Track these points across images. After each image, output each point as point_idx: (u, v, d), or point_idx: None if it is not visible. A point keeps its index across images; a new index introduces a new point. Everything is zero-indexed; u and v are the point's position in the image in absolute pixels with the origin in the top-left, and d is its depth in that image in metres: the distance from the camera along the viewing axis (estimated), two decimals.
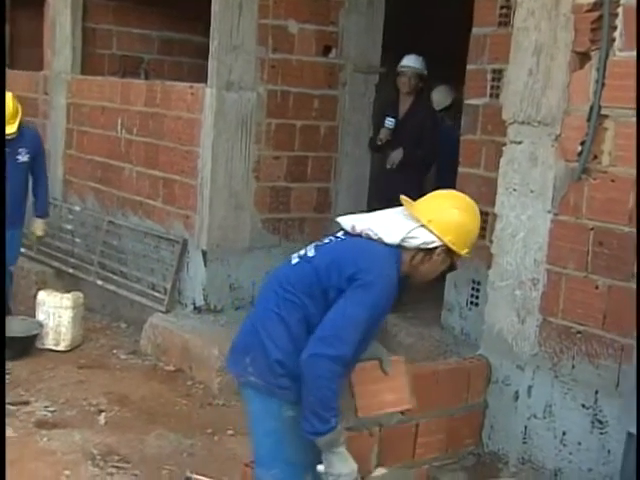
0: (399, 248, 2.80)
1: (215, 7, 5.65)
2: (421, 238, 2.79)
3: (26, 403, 4.88)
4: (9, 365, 5.41)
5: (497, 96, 4.86)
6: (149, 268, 6.35)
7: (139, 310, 6.29)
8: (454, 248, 2.81)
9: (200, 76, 6.13)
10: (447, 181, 5.47)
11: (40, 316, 5.87)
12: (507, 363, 4.04)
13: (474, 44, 5.04)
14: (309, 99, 6.03)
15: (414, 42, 7.07)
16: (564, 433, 3.82)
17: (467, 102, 5.15)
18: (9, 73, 8.44)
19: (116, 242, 6.71)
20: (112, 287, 6.60)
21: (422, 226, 2.80)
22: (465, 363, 4.11)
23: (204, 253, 5.88)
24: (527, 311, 3.94)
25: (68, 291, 6.08)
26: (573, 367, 3.77)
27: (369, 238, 2.81)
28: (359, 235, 2.83)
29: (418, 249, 2.80)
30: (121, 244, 6.67)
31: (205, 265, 5.88)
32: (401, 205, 2.93)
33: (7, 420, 4.56)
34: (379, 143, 6.03)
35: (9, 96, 5.74)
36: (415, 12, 6.82)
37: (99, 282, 6.71)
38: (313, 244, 2.93)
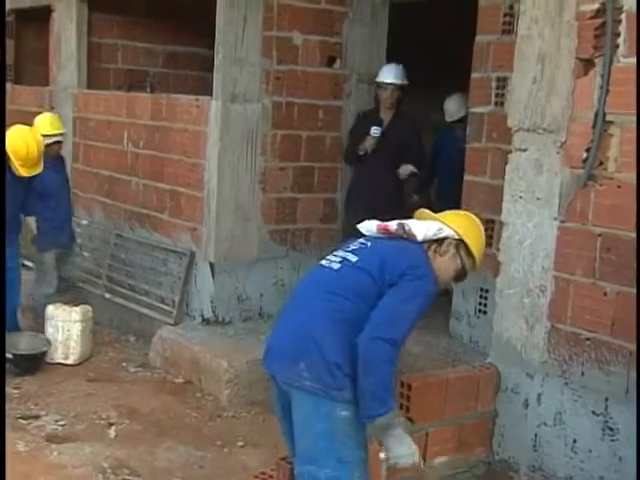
0: (422, 245, 3.07)
1: (219, 20, 5.68)
2: (433, 229, 3.08)
3: (36, 417, 4.89)
4: (18, 380, 5.43)
5: (502, 104, 4.87)
6: (157, 281, 6.37)
7: (148, 323, 6.30)
8: (466, 239, 3.08)
9: (205, 89, 6.15)
10: (452, 193, 5.45)
11: (49, 330, 5.88)
12: (516, 371, 4.03)
13: (478, 52, 5.06)
14: (314, 110, 6.04)
15: (421, 51, 7.11)
16: (575, 440, 3.81)
17: (472, 110, 5.17)
18: (15, 88, 8.52)
19: (124, 255, 6.73)
20: (120, 300, 6.62)
21: (436, 221, 3.12)
22: (474, 371, 4.10)
23: (212, 265, 5.89)
24: (535, 318, 3.94)
25: (77, 305, 6.09)
26: (583, 374, 3.76)
27: (401, 236, 3.05)
28: (386, 234, 3.06)
29: (432, 241, 3.08)
30: (129, 257, 6.69)
31: (213, 277, 5.89)
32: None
33: (18, 434, 4.59)
34: (361, 153, 5.95)
35: (32, 138, 5.61)
36: (423, 21, 6.82)
37: (107, 295, 6.72)
38: (343, 250, 3.09)
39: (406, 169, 5.99)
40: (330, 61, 6.07)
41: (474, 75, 5.10)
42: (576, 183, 3.75)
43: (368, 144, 5.92)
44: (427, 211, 3.25)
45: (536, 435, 3.95)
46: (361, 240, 3.13)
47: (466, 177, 5.20)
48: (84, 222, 7.24)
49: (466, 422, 3.99)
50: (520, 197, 3.98)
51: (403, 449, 2.82)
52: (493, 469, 4.10)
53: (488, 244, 5.08)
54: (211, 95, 5.81)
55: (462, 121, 6.25)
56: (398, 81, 5.95)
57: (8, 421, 4.73)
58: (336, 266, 3.03)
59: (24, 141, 5.51)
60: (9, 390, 5.24)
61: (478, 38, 5.05)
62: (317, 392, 2.86)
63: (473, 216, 3.27)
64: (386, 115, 6.04)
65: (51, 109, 7.80)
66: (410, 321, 2.87)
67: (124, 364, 5.92)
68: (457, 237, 3.09)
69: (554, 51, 3.79)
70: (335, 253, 3.11)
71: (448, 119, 6.41)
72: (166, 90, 7.29)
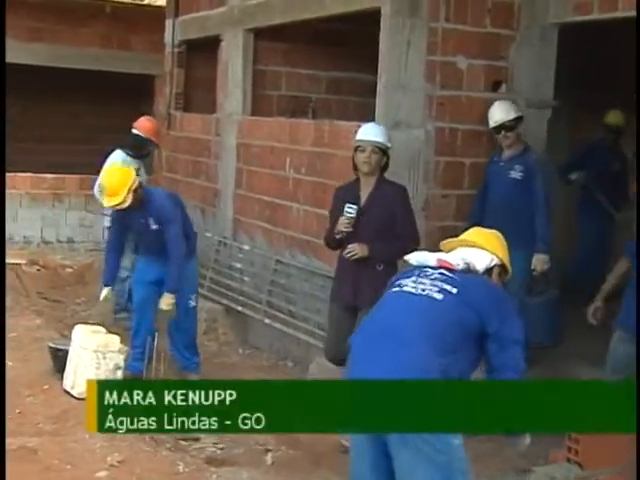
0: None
1: (383, 45, 5.65)
2: (486, 260, 3.29)
3: (196, 439, 4.94)
4: None
5: None
6: (316, 307, 6.35)
7: (305, 349, 6.30)
8: (506, 262, 3.34)
9: (367, 115, 6.12)
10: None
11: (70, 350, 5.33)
12: None
13: None
14: (478, 136, 5.87)
15: (588, 72, 6.82)
16: None
17: None
18: (184, 116, 8.84)
19: (284, 281, 6.77)
20: (279, 326, 6.65)
21: (483, 251, 3.31)
22: None
23: None
24: None
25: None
26: None
27: (468, 270, 3.21)
28: (445, 267, 3.19)
29: (484, 271, 3.28)
30: (289, 283, 6.72)
31: None
32: None
33: (179, 455, 4.66)
34: (338, 237, 4.97)
35: (115, 170, 5.59)
36: (590, 42, 6.55)
37: (267, 320, 6.78)
38: (428, 278, 3.16)
39: (361, 250, 4.88)
40: (495, 86, 5.89)
41: None
42: None
43: (342, 226, 4.88)
44: (453, 240, 3.43)
45: None
46: (434, 270, 3.18)
47: None
48: (246, 247, 7.37)
49: None
50: None
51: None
52: None
53: None
54: (373, 121, 5.77)
55: (512, 129, 5.56)
56: (378, 138, 4.96)
57: (171, 442, 4.84)
58: (438, 296, 3.08)
59: (106, 170, 5.57)
60: None
61: None
62: None
63: (497, 232, 3.47)
64: (366, 187, 4.99)
65: (217, 136, 8.04)
66: None
67: None
68: (500, 263, 3.32)
69: None
70: (417, 280, 3.16)
71: (491, 125, 5.65)
72: (328, 116, 7.33)
